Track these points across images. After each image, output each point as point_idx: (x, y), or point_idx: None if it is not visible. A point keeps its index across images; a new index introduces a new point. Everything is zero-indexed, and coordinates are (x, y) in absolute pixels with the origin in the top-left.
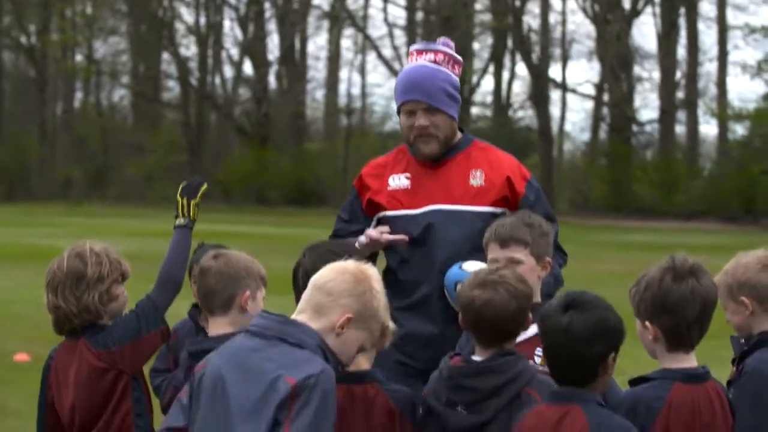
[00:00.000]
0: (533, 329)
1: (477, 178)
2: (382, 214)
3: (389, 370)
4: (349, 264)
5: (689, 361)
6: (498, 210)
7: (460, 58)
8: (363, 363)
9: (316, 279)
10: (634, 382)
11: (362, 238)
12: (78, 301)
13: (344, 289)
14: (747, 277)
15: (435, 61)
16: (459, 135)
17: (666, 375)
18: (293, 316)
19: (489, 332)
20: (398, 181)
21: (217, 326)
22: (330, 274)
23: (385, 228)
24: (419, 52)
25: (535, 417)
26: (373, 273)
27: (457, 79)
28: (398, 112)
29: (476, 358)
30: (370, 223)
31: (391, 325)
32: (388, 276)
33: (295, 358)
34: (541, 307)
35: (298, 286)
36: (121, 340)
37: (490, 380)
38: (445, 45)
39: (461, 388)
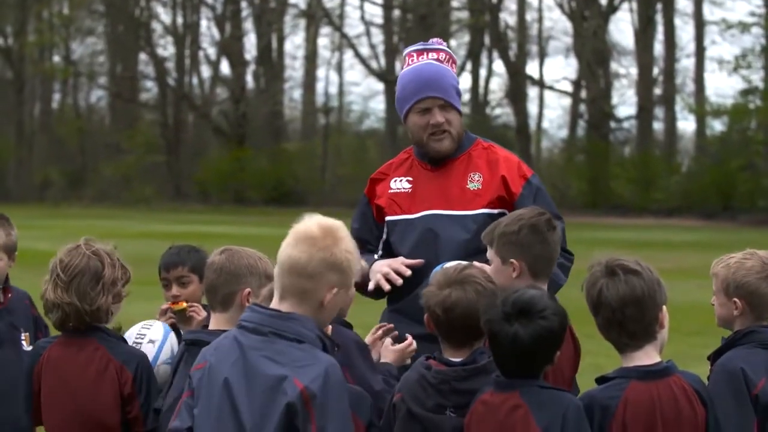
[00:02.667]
0: None
1: (474, 182)
2: (386, 219)
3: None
4: (315, 230)
5: (648, 358)
6: (494, 211)
7: (455, 57)
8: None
9: (292, 263)
10: (598, 382)
11: (380, 279)
12: (93, 301)
13: (325, 266)
14: (747, 281)
15: (438, 60)
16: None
17: (622, 374)
18: (275, 304)
19: (461, 331)
20: (399, 184)
21: (216, 322)
22: (304, 254)
23: (400, 267)
24: (419, 52)
25: (480, 405)
26: (340, 229)
27: (457, 77)
28: (405, 115)
29: (454, 359)
30: (382, 230)
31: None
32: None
33: (298, 357)
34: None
35: None
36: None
37: (480, 381)
38: (441, 44)
39: (454, 392)
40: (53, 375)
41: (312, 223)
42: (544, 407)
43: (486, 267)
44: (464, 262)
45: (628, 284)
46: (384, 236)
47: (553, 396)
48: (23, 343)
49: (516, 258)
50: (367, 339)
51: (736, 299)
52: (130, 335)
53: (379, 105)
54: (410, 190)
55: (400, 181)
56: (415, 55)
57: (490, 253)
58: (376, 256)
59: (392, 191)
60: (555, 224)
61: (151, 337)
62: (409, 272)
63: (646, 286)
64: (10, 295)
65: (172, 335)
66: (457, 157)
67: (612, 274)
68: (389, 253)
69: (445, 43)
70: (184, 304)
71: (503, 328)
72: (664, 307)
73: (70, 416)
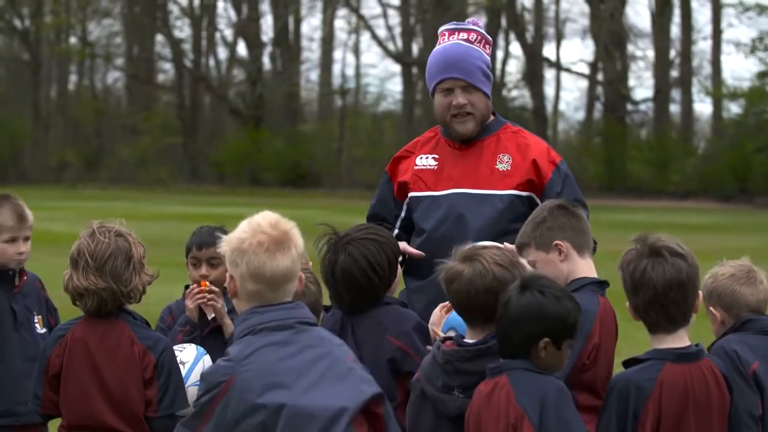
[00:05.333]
0: None
1: (504, 163)
2: (409, 196)
3: None
4: (280, 236)
5: (680, 341)
6: (523, 193)
7: (490, 38)
8: None
9: (285, 273)
10: (626, 364)
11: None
12: (128, 282)
13: (299, 262)
14: (714, 286)
15: (468, 40)
16: (491, 117)
17: (656, 355)
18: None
19: (462, 309)
20: (425, 161)
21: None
22: (288, 260)
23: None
24: (450, 32)
25: (476, 395)
26: (280, 220)
27: (489, 58)
28: (432, 94)
29: (469, 340)
30: (401, 208)
31: None
32: (406, 258)
33: (330, 337)
34: None
35: (337, 283)
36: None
37: (486, 363)
38: (475, 24)
39: (457, 372)
40: (79, 355)
41: (265, 229)
42: (526, 388)
43: (538, 267)
44: (492, 243)
45: (674, 267)
46: (403, 214)
47: (536, 379)
48: (36, 325)
49: (558, 239)
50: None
51: (711, 308)
52: None
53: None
54: (436, 168)
55: (426, 158)
56: (446, 34)
57: (531, 255)
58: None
59: (417, 168)
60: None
61: (182, 358)
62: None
63: (691, 270)
64: (25, 277)
65: (206, 358)
66: (485, 138)
67: (657, 255)
68: (407, 231)
69: (480, 23)
70: (206, 287)
71: (504, 293)
72: (700, 293)
73: (96, 398)
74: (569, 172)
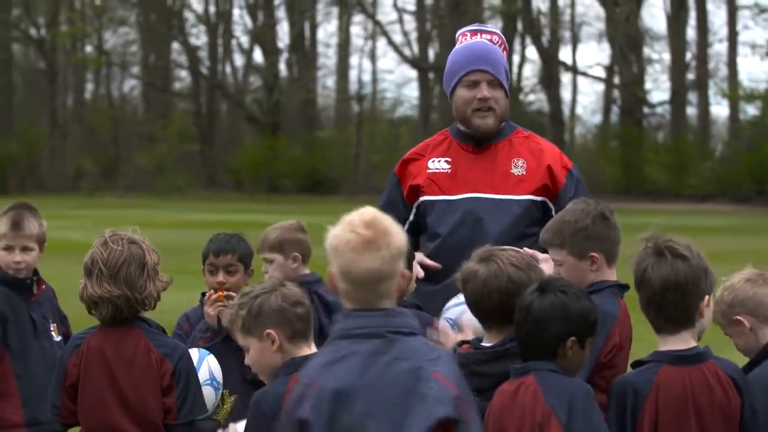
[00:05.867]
0: None
1: (519, 167)
2: (421, 199)
3: None
4: (369, 234)
5: (683, 343)
6: (538, 198)
7: (507, 45)
8: None
9: (372, 274)
10: (633, 366)
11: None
12: (142, 289)
13: (395, 261)
14: (734, 295)
15: (491, 41)
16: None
17: (656, 357)
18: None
19: (477, 310)
20: (438, 164)
21: None
22: (377, 261)
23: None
24: (473, 32)
25: (498, 396)
26: (380, 218)
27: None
28: (453, 89)
29: (486, 344)
30: (411, 212)
31: None
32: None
33: (423, 348)
34: None
35: None
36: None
37: (503, 365)
38: (495, 28)
39: (473, 374)
40: (96, 364)
41: (357, 227)
42: (554, 389)
43: (539, 255)
44: (511, 248)
45: (673, 268)
46: (412, 217)
47: (564, 380)
48: (53, 333)
49: (595, 251)
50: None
51: (738, 318)
52: None
53: (412, 92)
54: (450, 171)
55: (439, 161)
56: (468, 34)
57: (560, 254)
58: None
59: (431, 171)
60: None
61: None
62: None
63: (690, 273)
64: (43, 287)
65: (210, 358)
66: (498, 142)
67: (660, 255)
68: (414, 235)
69: (498, 29)
70: (223, 294)
71: (523, 298)
72: (708, 297)
73: (113, 407)
74: (580, 177)
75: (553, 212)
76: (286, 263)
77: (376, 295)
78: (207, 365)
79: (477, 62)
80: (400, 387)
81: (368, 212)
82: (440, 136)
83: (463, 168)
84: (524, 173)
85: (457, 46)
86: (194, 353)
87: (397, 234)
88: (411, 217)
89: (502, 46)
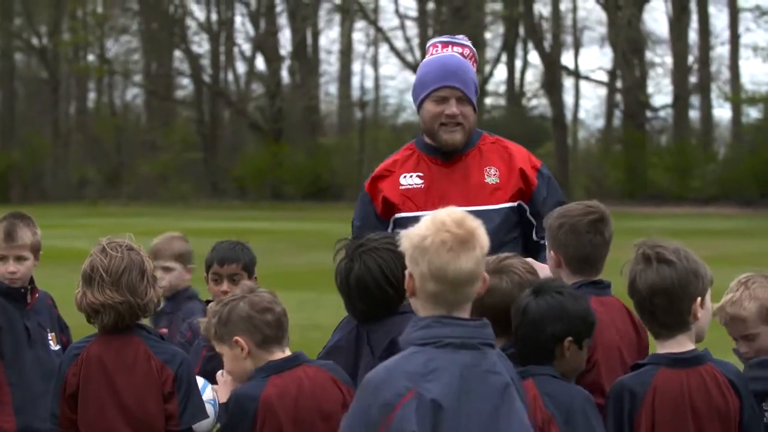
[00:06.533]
0: None
1: (492, 176)
2: (396, 216)
3: None
4: (464, 234)
5: (680, 346)
6: (514, 204)
7: (477, 56)
8: None
9: (468, 275)
10: (632, 369)
11: None
12: (143, 295)
13: (482, 264)
14: (761, 303)
15: (462, 55)
16: None
17: (653, 360)
18: (457, 314)
19: (493, 321)
20: (410, 179)
21: None
22: (471, 262)
23: None
24: (444, 44)
25: None
26: (467, 217)
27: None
28: (421, 102)
29: None
30: (387, 227)
31: None
32: None
33: (506, 363)
34: None
35: (351, 292)
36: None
37: None
38: (466, 40)
39: None
40: (96, 373)
41: (450, 227)
42: (553, 394)
43: (530, 260)
44: (506, 253)
45: (659, 273)
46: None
47: (563, 386)
48: (50, 342)
49: (554, 250)
50: None
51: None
52: None
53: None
54: (423, 186)
55: (411, 176)
56: (440, 46)
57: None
58: None
59: (404, 187)
60: (601, 227)
61: None
62: None
63: (677, 277)
64: (37, 295)
65: (208, 388)
66: (467, 152)
67: (647, 262)
68: None
69: (470, 41)
70: None
71: (518, 300)
72: (701, 299)
73: (114, 416)
74: (551, 175)
75: (528, 213)
76: (182, 273)
77: (466, 297)
78: (211, 390)
79: (447, 78)
80: (493, 402)
81: (456, 212)
82: (407, 150)
83: (436, 182)
84: (498, 181)
85: (428, 57)
86: (199, 380)
87: (484, 235)
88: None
89: (473, 58)
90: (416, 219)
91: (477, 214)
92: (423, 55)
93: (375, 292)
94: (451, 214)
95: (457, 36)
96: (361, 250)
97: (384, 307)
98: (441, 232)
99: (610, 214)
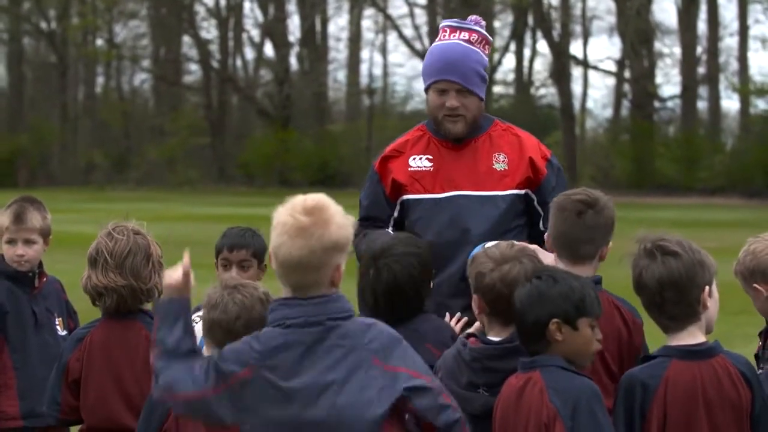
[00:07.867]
0: None
1: (500, 162)
2: (404, 197)
3: None
4: (305, 220)
5: (692, 337)
6: (521, 192)
7: (490, 38)
8: None
9: (297, 261)
10: (642, 361)
11: None
12: (147, 280)
13: (327, 253)
14: (756, 263)
15: (468, 41)
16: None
17: (665, 352)
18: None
19: (510, 309)
20: (419, 162)
21: None
22: (305, 250)
23: None
24: (452, 29)
25: (506, 387)
26: (325, 207)
27: (487, 59)
28: (426, 89)
29: (493, 338)
30: (395, 208)
31: None
32: None
33: (359, 331)
34: None
35: (377, 297)
36: None
37: (514, 361)
38: (477, 24)
39: (485, 370)
40: (99, 358)
41: (297, 211)
42: (559, 387)
43: (536, 247)
44: (511, 241)
45: (665, 266)
46: (396, 214)
47: (570, 378)
48: (57, 327)
49: (547, 234)
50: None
51: (756, 286)
52: None
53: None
54: (432, 169)
55: (420, 159)
56: (448, 30)
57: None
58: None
59: (412, 169)
60: (583, 208)
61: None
62: None
63: (684, 268)
64: (45, 279)
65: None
66: (478, 137)
67: (651, 256)
68: (398, 230)
69: (482, 22)
70: None
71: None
72: (709, 288)
73: (116, 401)
74: (560, 165)
75: (536, 202)
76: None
77: (303, 283)
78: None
79: (445, 72)
80: (340, 374)
81: (314, 199)
82: (418, 131)
83: (445, 165)
84: (506, 168)
85: (435, 43)
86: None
87: (338, 227)
88: (395, 215)
89: (482, 42)
90: (423, 201)
91: (483, 199)
92: (431, 43)
93: (404, 298)
94: (309, 199)
95: (470, 18)
96: (387, 255)
97: (412, 310)
98: (286, 214)
99: (607, 205)
